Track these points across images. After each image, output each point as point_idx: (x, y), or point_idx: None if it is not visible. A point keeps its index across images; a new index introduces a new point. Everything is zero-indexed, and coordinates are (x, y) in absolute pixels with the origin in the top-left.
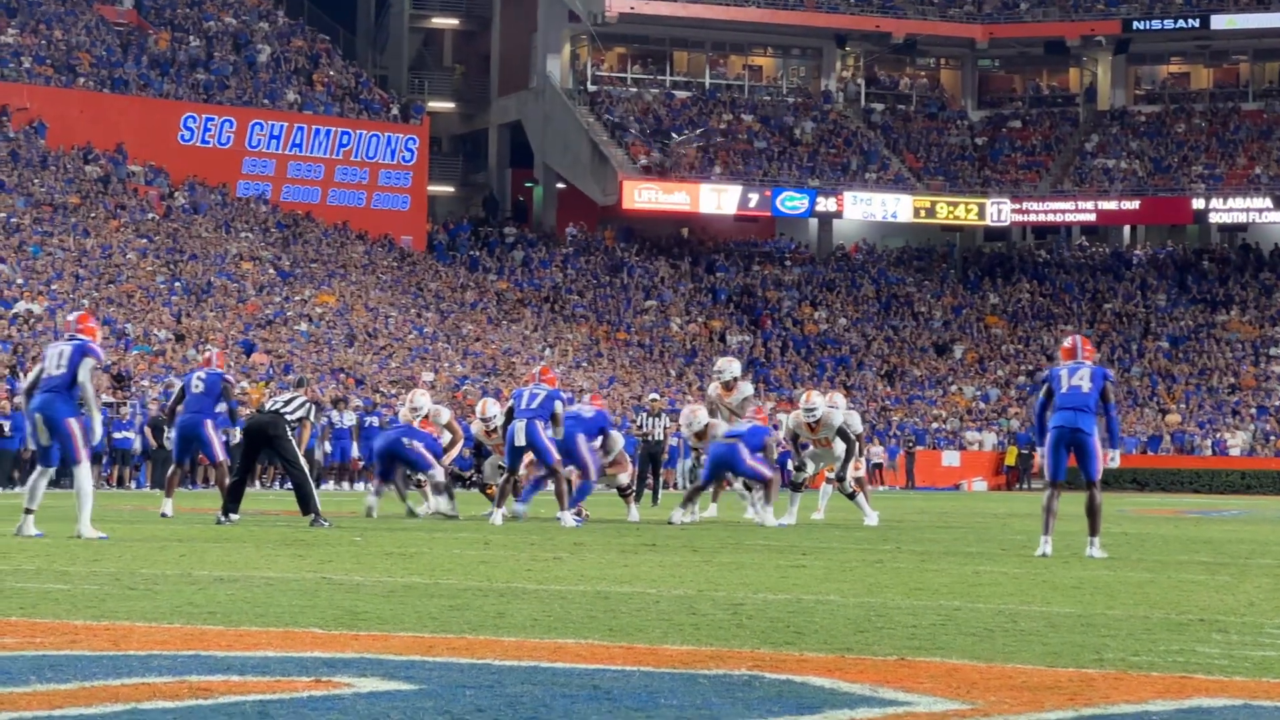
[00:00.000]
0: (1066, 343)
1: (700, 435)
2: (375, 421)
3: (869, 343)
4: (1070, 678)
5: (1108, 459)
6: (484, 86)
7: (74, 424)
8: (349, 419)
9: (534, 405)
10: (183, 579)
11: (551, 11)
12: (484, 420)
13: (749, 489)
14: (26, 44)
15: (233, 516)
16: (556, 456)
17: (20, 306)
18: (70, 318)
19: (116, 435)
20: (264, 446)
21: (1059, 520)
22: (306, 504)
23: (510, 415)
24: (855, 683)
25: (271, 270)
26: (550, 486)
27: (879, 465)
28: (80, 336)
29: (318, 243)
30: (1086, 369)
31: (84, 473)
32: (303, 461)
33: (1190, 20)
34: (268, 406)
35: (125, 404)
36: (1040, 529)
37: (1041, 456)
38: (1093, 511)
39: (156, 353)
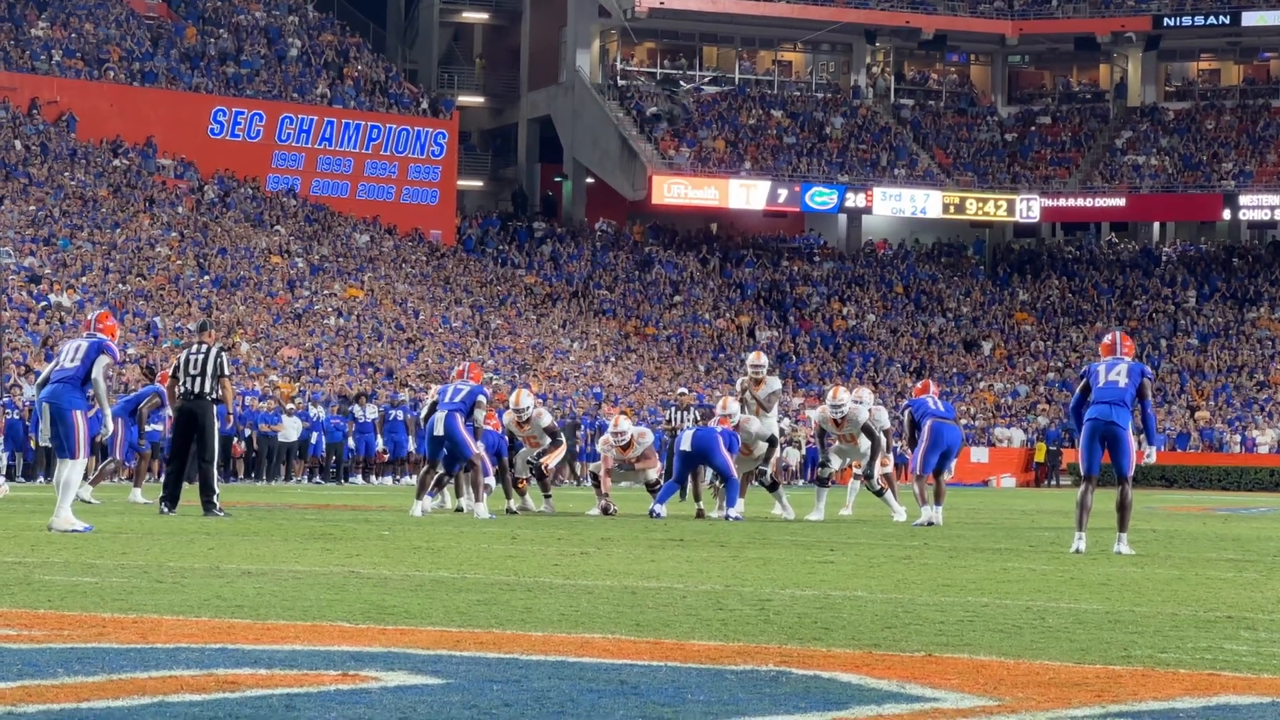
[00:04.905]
0: (1106, 339)
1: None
2: (401, 416)
3: (897, 339)
4: (1098, 674)
5: (1144, 456)
6: (513, 81)
7: (79, 417)
8: (371, 413)
9: (456, 399)
10: (210, 572)
11: (581, 6)
12: (517, 411)
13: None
14: (56, 37)
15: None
16: (475, 450)
17: (51, 299)
18: (90, 316)
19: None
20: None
21: (1094, 516)
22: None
23: (432, 409)
24: (882, 679)
25: (301, 264)
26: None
27: (906, 461)
28: (99, 335)
29: (347, 236)
30: (1124, 364)
31: (76, 468)
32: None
33: (1221, 17)
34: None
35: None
36: (1074, 525)
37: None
38: (1123, 507)
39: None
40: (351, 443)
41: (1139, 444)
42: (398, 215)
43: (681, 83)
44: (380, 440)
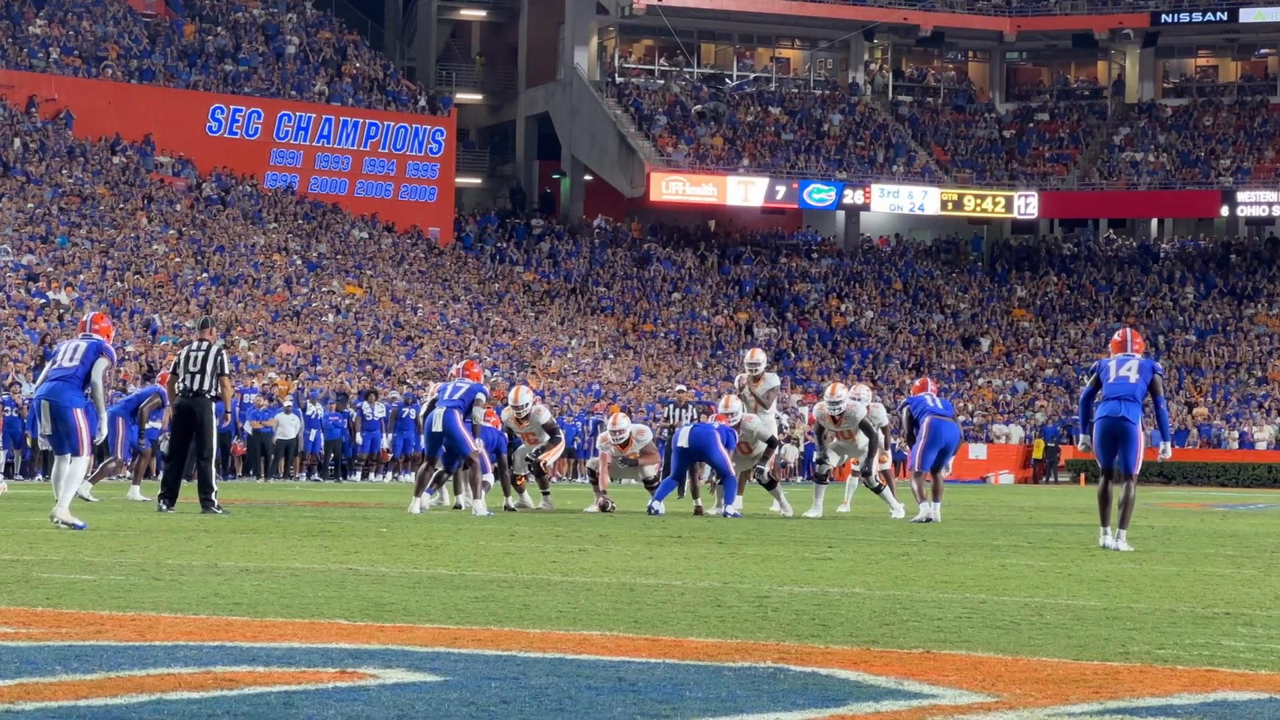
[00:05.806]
0: (1117, 335)
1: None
2: (412, 414)
3: (895, 335)
4: (1096, 671)
5: (1159, 452)
6: (511, 78)
7: (80, 415)
8: (379, 410)
9: (455, 397)
10: (208, 570)
11: (579, 3)
12: (516, 408)
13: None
14: (54, 35)
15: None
16: (473, 447)
17: (49, 296)
18: (86, 317)
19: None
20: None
21: (1092, 513)
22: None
23: (432, 406)
24: (881, 675)
25: (299, 261)
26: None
27: (904, 458)
28: (95, 336)
29: (345, 234)
30: (1135, 360)
31: (79, 465)
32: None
33: (1218, 13)
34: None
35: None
36: (1099, 520)
37: (1084, 447)
38: (1125, 504)
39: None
40: (359, 439)
41: (1150, 440)
42: (396, 212)
43: (727, 80)
44: (386, 438)
